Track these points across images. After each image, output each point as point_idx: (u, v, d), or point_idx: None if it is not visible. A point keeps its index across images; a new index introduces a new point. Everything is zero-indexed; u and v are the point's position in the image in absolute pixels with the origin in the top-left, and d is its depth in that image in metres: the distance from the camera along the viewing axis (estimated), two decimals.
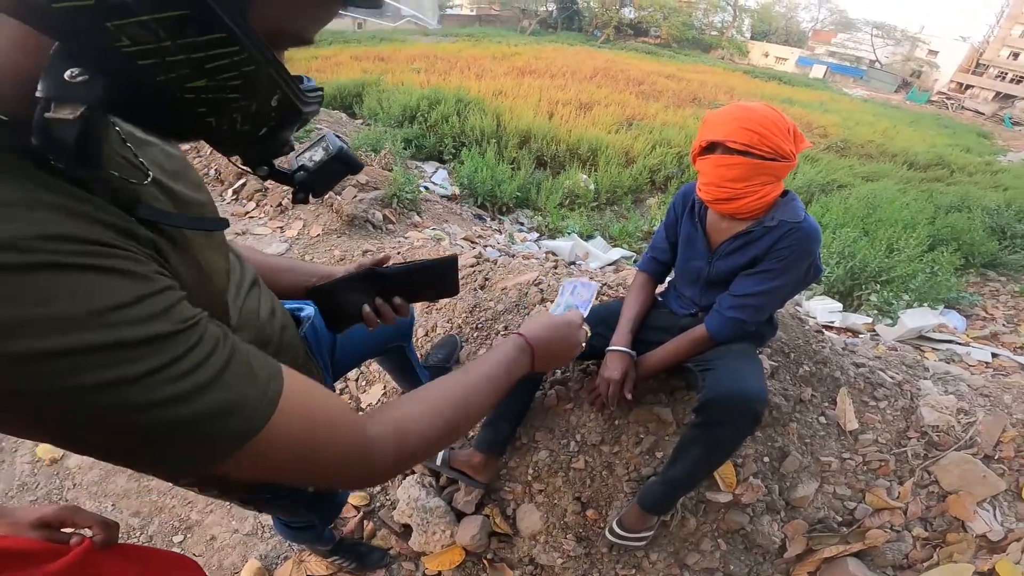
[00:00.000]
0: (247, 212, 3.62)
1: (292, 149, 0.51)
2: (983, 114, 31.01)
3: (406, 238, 3.34)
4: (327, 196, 3.41)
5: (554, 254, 4.12)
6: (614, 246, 4.77)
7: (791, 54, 41.18)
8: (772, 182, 1.17)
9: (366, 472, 0.51)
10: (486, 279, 2.27)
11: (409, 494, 1.61)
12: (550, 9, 40.61)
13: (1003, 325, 3.87)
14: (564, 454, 1.58)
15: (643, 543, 1.42)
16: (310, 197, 0.64)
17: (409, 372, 1.49)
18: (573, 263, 3.98)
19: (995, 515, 1.54)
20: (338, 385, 2.09)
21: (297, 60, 15.85)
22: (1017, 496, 1.58)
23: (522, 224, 5.27)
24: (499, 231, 4.66)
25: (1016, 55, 36.68)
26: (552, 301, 2.02)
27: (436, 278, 0.86)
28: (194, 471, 0.40)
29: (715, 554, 1.47)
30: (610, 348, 1.39)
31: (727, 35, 40.82)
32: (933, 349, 3.13)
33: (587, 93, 11.19)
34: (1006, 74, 36.62)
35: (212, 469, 0.40)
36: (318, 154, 0.64)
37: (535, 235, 4.86)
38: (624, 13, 37.80)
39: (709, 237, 1.32)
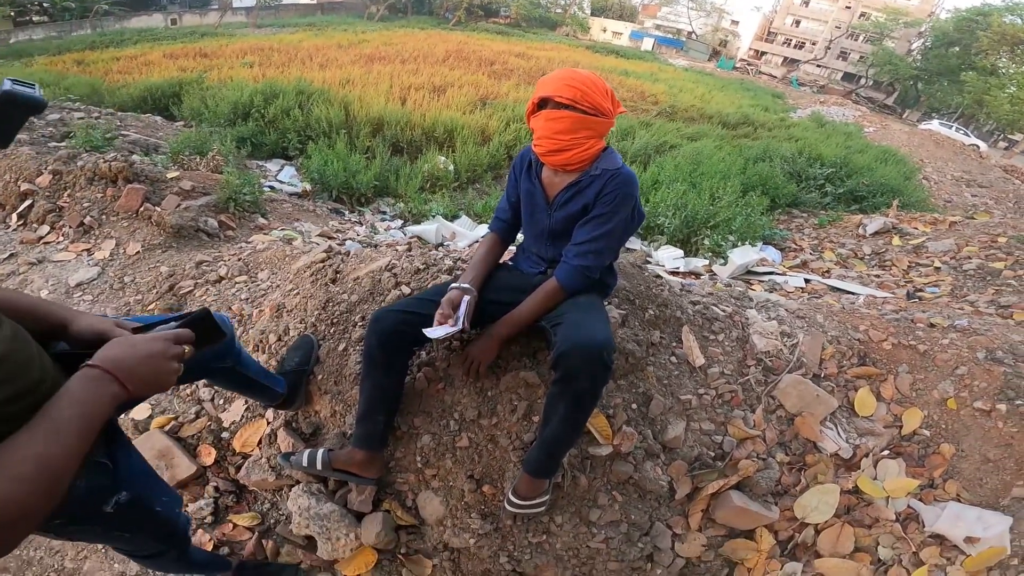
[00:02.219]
0: (40, 238, 3.05)
1: None
2: (775, 77, 36.69)
3: (249, 243, 3.07)
4: (142, 208, 3.01)
5: (420, 238, 4.11)
6: (480, 223, 4.88)
7: (625, 28, 44.53)
8: (595, 136, 1.32)
9: None
10: (337, 272, 2.19)
11: (299, 504, 1.54)
12: None
13: (810, 254, 4.69)
14: (446, 435, 1.58)
15: (542, 508, 1.45)
16: None
17: (253, 385, 1.41)
18: (440, 244, 4.00)
19: (838, 433, 1.79)
20: (192, 408, 1.92)
21: (94, 62, 13.44)
22: (852, 412, 1.87)
23: (384, 213, 5.14)
24: (360, 223, 4.50)
25: (798, 22, 43.10)
26: (407, 284, 2.02)
27: (203, 330, 0.84)
28: None
29: (614, 506, 1.53)
30: (453, 285, 1.44)
31: (570, 12, 42.84)
32: (760, 282, 3.74)
33: (440, 76, 11.10)
34: (790, 40, 43.39)
35: None
36: None
37: (399, 222, 4.78)
38: None
39: (546, 191, 1.44)
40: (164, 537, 1.08)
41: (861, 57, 37.73)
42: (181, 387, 2.00)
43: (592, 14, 46.36)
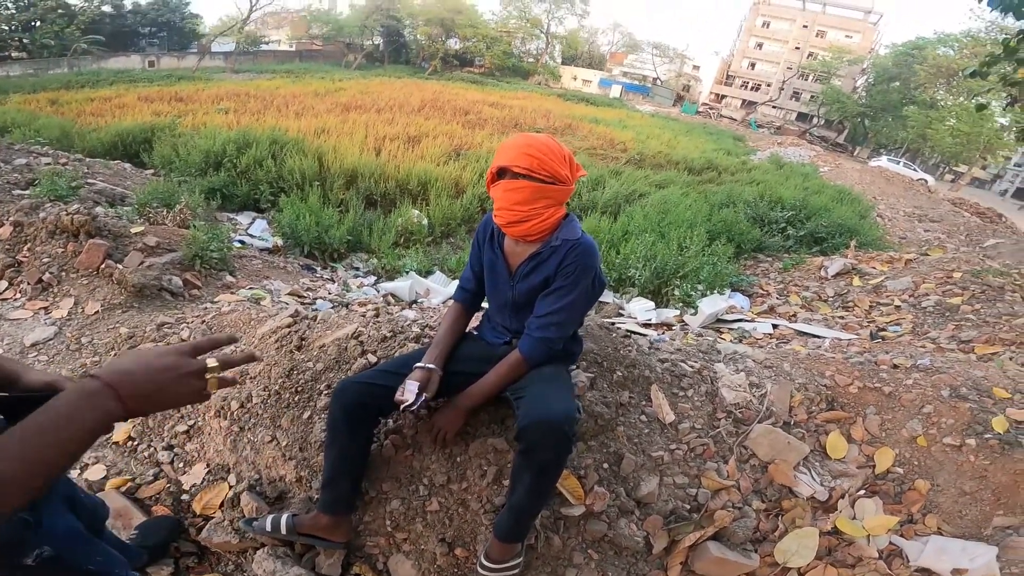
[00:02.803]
0: None
1: None
2: (735, 120, 38.74)
3: (214, 303, 3.00)
4: (104, 265, 2.93)
5: (394, 296, 4.08)
6: (454, 279, 4.89)
7: (594, 76, 46.80)
8: (553, 204, 1.34)
9: None
10: (302, 339, 2.15)
11: (264, 568, 1.49)
12: (376, 43, 40.55)
13: (776, 298, 4.81)
14: (416, 499, 1.57)
15: (516, 571, 1.43)
16: None
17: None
18: (415, 302, 3.98)
19: (813, 476, 1.80)
20: (150, 471, 1.87)
21: (67, 102, 13.37)
22: (824, 455, 1.89)
23: (357, 269, 5.11)
24: (332, 280, 4.46)
25: (753, 65, 45.75)
26: (373, 352, 2.00)
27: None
28: None
29: (590, 565, 1.51)
30: (417, 365, 1.43)
31: (542, 61, 44.90)
32: (729, 330, 3.80)
33: (415, 126, 11.37)
34: (747, 83, 46.12)
35: None
36: None
37: (372, 278, 4.75)
38: (450, 44, 39.41)
39: (508, 261, 1.46)
40: None
41: (812, 96, 40.03)
42: (138, 450, 1.95)
43: (563, 63, 48.73)
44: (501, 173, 1.33)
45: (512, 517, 1.35)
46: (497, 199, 1.35)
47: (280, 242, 4.88)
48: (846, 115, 35.47)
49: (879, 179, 15.99)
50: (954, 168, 31.30)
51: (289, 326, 2.26)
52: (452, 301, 1.66)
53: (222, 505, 1.71)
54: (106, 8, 29.66)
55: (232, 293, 3.23)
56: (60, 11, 23.41)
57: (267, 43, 40.00)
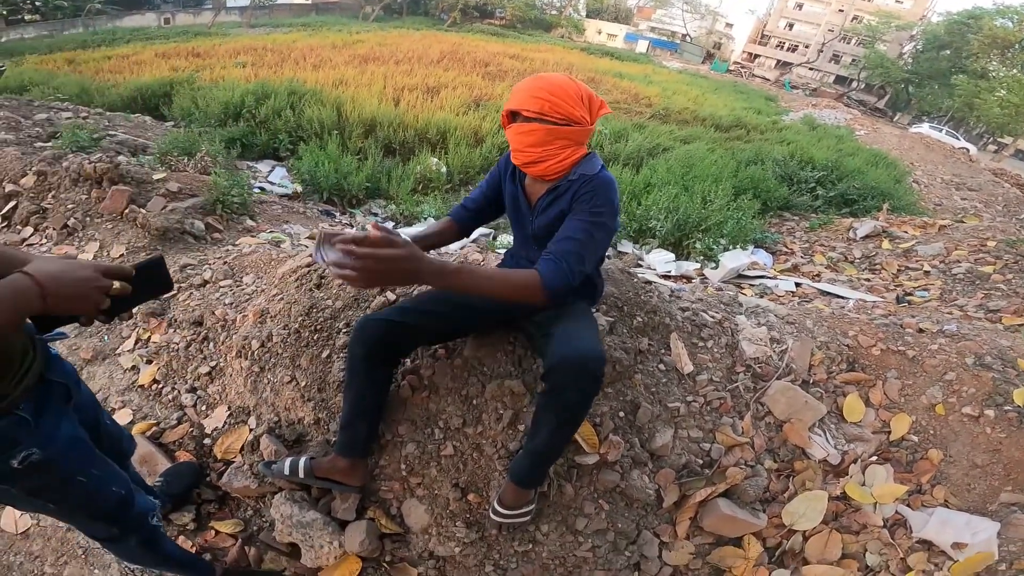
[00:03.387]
0: (24, 239, 3.01)
1: None
2: (768, 80, 36.93)
3: (235, 245, 3.04)
4: (127, 210, 2.97)
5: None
6: None
7: (620, 31, 44.66)
8: (570, 146, 1.27)
9: None
10: (321, 278, 2.16)
11: (282, 512, 1.52)
12: None
13: (801, 257, 4.70)
14: (431, 443, 1.57)
15: (527, 518, 1.43)
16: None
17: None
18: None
19: (827, 439, 1.77)
20: (174, 414, 1.90)
21: (85, 61, 13.33)
22: (840, 417, 1.86)
23: (376, 215, 5.12)
24: (351, 225, 4.47)
25: (791, 25, 43.43)
26: (392, 290, 2.00)
27: (149, 277, 0.90)
28: None
29: (600, 515, 1.52)
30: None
31: (565, 14, 42.94)
32: (750, 285, 3.73)
33: (434, 77, 11.08)
34: (784, 43, 43.72)
35: None
36: None
37: (391, 224, 4.75)
38: None
39: (528, 196, 1.42)
40: (104, 516, 1.07)
41: (853, 60, 38.06)
42: (163, 393, 1.98)
43: (587, 16, 46.53)
44: (514, 116, 1.28)
45: (530, 460, 1.33)
46: (511, 140, 1.30)
47: (300, 188, 4.89)
48: (889, 80, 33.75)
49: (919, 145, 15.17)
50: (999, 139, 29.59)
51: (308, 266, 2.25)
52: (447, 217, 1.60)
53: (242, 449, 1.72)
54: None
55: (253, 236, 3.26)
56: None
57: None
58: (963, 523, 1.51)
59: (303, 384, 1.73)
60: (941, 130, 23.57)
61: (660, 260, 4.13)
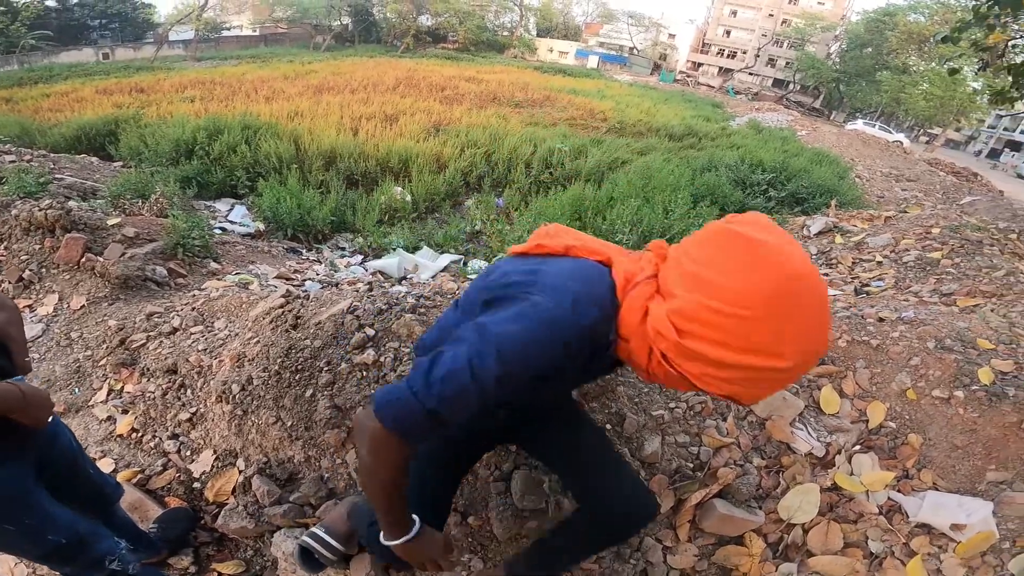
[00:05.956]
0: None
1: None
2: (713, 87, 38.69)
3: (202, 290, 2.95)
4: (84, 259, 2.85)
5: (382, 272, 4.04)
6: (442, 252, 4.86)
7: (571, 48, 46.01)
8: None
9: None
10: (297, 318, 2.13)
11: (283, 549, 1.51)
12: (345, 23, 39.21)
13: None
14: None
15: None
16: None
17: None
18: (404, 278, 3.95)
19: (809, 432, 1.82)
20: (158, 461, 1.87)
21: (22, 100, 12.77)
22: (819, 410, 1.90)
23: (343, 248, 5.05)
24: (319, 261, 4.40)
25: (728, 32, 45.59)
26: (370, 325, 1.99)
27: None
28: None
29: None
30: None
31: (517, 34, 43.97)
32: None
33: (391, 104, 11.11)
34: (723, 50, 45.92)
35: None
36: None
37: (359, 257, 4.69)
38: (422, 21, 38.30)
39: None
40: (47, 560, 1.13)
41: (787, 63, 40.33)
42: (143, 441, 1.95)
43: (538, 35, 47.78)
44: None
45: (538, 555, 1.24)
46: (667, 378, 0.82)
47: (262, 227, 4.78)
48: (821, 80, 35.92)
49: (856, 142, 16.10)
50: (928, 130, 31.77)
51: (282, 306, 2.23)
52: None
53: (234, 491, 1.71)
54: (50, 3, 28.26)
55: (219, 279, 3.18)
56: (2, 8, 22.18)
57: (228, 29, 38.42)
58: (955, 504, 1.55)
59: (289, 424, 1.72)
60: (874, 125, 25.21)
61: None
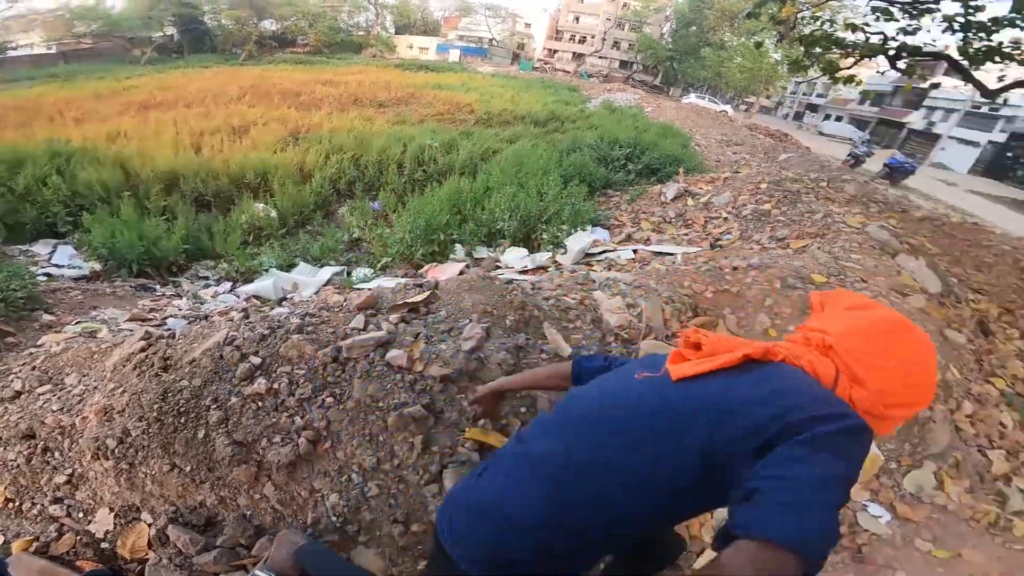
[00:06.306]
0: None
1: None
2: (568, 72, 40.95)
3: (39, 347, 2.51)
4: None
5: (258, 297, 3.73)
6: (321, 266, 4.60)
7: (431, 43, 45.57)
8: None
9: None
10: (166, 359, 1.91)
11: None
12: (169, 33, 34.53)
13: (631, 227, 5.31)
14: (353, 489, 1.56)
15: None
16: None
17: None
18: (284, 299, 3.69)
19: None
20: (51, 527, 1.68)
21: None
22: None
23: (206, 278, 4.55)
24: (178, 295, 3.92)
25: (577, 18, 48.36)
26: (255, 353, 1.85)
27: None
28: None
29: None
30: None
31: (374, 33, 42.34)
32: (597, 261, 4.12)
33: (238, 116, 10.13)
34: (575, 36, 48.67)
35: None
36: None
37: (227, 284, 4.27)
38: (265, 26, 35.11)
39: None
40: None
41: (630, 45, 44.08)
42: (23, 509, 1.73)
43: (396, 32, 46.52)
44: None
45: None
46: None
47: (98, 266, 4.12)
48: (658, 59, 39.80)
49: (691, 114, 18.19)
50: (746, 99, 36.71)
51: (144, 350, 2.00)
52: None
53: (150, 544, 1.60)
54: None
55: (57, 332, 2.72)
56: None
57: (15, 48, 31.84)
58: None
59: (188, 469, 1.62)
60: (704, 98, 28.72)
61: (515, 258, 4.38)
